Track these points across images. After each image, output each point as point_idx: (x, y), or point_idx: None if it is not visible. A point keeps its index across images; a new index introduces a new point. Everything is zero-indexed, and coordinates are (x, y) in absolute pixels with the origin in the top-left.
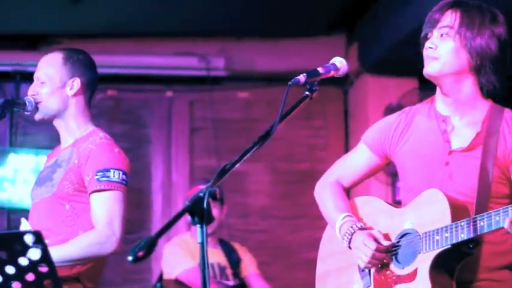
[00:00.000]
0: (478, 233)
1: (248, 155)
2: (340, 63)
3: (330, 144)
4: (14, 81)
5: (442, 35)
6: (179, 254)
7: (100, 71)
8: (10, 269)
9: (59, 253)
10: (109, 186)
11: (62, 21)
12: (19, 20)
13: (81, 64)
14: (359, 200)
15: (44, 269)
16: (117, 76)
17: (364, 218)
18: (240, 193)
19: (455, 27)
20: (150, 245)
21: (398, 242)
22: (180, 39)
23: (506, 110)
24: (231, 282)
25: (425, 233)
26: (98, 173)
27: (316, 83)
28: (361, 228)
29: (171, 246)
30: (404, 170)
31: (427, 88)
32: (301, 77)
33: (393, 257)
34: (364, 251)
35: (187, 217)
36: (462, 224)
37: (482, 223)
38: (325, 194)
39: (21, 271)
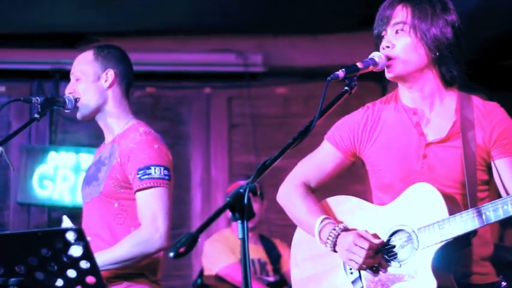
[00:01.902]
0: (485, 223)
1: (288, 151)
2: (379, 58)
3: None
4: (53, 80)
5: (396, 32)
6: (220, 249)
7: (138, 68)
8: (52, 266)
9: (105, 258)
10: (151, 184)
11: (100, 19)
12: (57, 19)
13: (113, 56)
14: (331, 201)
15: (86, 265)
16: (155, 73)
17: (340, 218)
18: (278, 189)
19: (409, 22)
20: (192, 241)
21: (389, 240)
22: (217, 35)
23: (473, 97)
24: (271, 278)
25: (421, 228)
26: (140, 172)
27: (355, 78)
28: (345, 230)
29: (212, 242)
30: (377, 166)
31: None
32: (340, 72)
33: (387, 256)
34: (357, 252)
35: (227, 213)
36: (464, 215)
37: (488, 213)
38: (293, 198)
39: (63, 268)
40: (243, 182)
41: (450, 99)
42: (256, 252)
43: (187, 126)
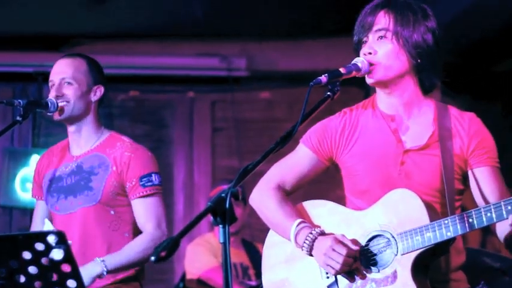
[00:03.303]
0: (468, 231)
1: (270, 155)
2: (361, 63)
3: None
4: (36, 83)
5: (378, 38)
6: (202, 253)
7: (122, 71)
8: (33, 269)
9: (120, 259)
10: (153, 191)
11: (84, 22)
12: (40, 22)
13: (103, 73)
14: (307, 204)
15: (67, 268)
16: (139, 77)
17: (316, 222)
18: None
19: (391, 28)
20: (173, 246)
21: (367, 245)
22: (201, 40)
23: (450, 107)
24: (253, 283)
25: (401, 234)
26: (143, 179)
27: (338, 83)
28: (322, 234)
29: (194, 246)
30: (354, 172)
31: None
32: (323, 78)
33: (365, 261)
34: (334, 257)
35: (209, 217)
36: (446, 222)
37: (471, 220)
38: (268, 201)
39: (44, 271)
40: (225, 187)
41: (428, 107)
42: (239, 256)
43: (171, 130)
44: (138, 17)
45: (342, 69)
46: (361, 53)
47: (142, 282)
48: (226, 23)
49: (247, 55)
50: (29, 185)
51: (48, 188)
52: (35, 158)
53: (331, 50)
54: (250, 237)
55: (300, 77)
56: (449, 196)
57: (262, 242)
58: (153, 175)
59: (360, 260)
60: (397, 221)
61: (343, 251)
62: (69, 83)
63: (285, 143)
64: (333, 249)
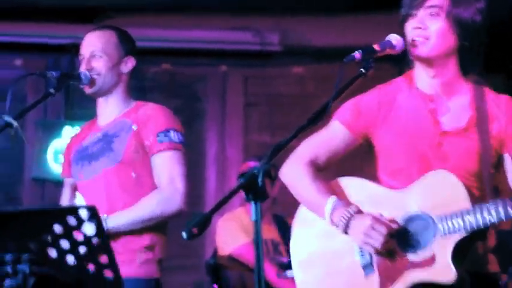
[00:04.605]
0: (511, 217)
1: (302, 132)
2: (395, 40)
3: None
4: (69, 54)
5: (429, 14)
6: (233, 229)
7: (154, 44)
8: (65, 243)
9: (128, 216)
10: (170, 146)
11: None
12: None
13: (134, 45)
14: (341, 182)
15: (98, 243)
16: (171, 50)
17: (352, 200)
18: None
19: (445, 7)
20: (204, 222)
21: (405, 226)
22: (234, 13)
23: (486, 89)
24: (284, 259)
25: (441, 216)
26: (160, 134)
27: (371, 60)
28: (358, 212)
29: (225, 221)
30: (389, 150)
31: None
32: (357, 54)
33: (402, 242)
34: (374, 236)
35: (241, 192)
36: (489, 207)
37: None
38: (300, 177)
39: (75, 245)
40: (253, 163)
41: (466, 89)
42: (269, 232)
43: (203, 104)
44: None
45: (375, 46)
46: (410, 26)
47: (161, 257)
48: None
49: (280, 30)
50: (62, 157)
51: (75, 159)
52: (67, 130)
53: (364, 26)
54: (283, 213)
55: (332, 53)
56: (487, 180)
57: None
58: (171, 131)
59: (398, 240)
60: (437, 203)
61: (384, 230)
62: (99, 56)
63: (318, 120)
64: (373, 228)
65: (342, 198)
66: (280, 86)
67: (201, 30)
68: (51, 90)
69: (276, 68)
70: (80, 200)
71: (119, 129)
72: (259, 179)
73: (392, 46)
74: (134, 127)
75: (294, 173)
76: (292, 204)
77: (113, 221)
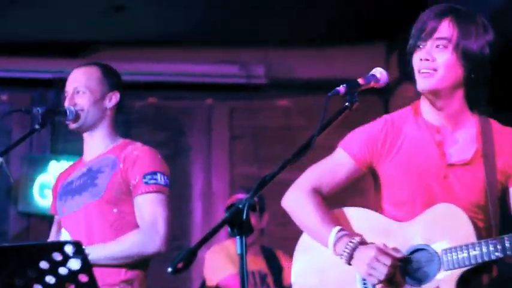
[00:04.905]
0: None
1: (288, 166)
2: (380, 74)
3: None
4: (55, 89)
5: (437, 46)
6: (220, 260)
7: (141, 78)
8: (50, 279)
9: (104, 251)
10: (156, 189)
11: (103, 29)
12: (59, 28)
13: (119, 80)
14: (344, 211)
15: (84, 279)
16: (157, 84)
17: (356, 230)
18: (280, 201)
19: (454, 40)
20: (190, 257)
21: (409, 258)
22: (220, 47)
23: (492, 121)
24: None
25: (446, 249)
26: (146, 176)
27: (356, 94)
28: (362, 243)
29: (213, 253)
30: (394, 181)
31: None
32: (341, 88)
33: (405, 274)
34: (379, 268)
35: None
36: (495, 241)
37: None
38: (304, 204)
39: (61, 281)
40: (241, 196)
41: (472, 122)
42: (257, 263)
43: (189, 137)
44: (157, 24)
45: (360, 80)
46: (417, 58)
47: None
48: (245, 30)
49: (266, 63)
50: (48, 191)
51: (59, 194)
52: (53, 164)
53: (350, 58)
54: (269, 245)
55: (318, 85)
56: (493, 213)
57: (282, 248)
58: (158, 174)
59: (402, 272)
60: (442, 236)
61: (388, 262)
62: (82, 92)
63: (303, 154)
64: (377, 260)
65: (346, 227)
66: (266, 119)
67: (187, 63)
68: (37, 127)
69: (261, 100)
70: (65, 236)
71: (104, 165)
72: (244, 214)
73: (376, 80)
74: (121, 165)
75: (297, 200)
76: (280, 236)
77: (91, 253)
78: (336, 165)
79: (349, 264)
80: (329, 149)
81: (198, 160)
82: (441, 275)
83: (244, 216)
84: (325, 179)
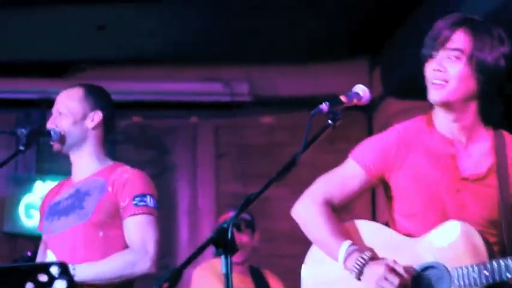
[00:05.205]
0: None
1: (272, 185)
2: (362, 91)
3: None
4: (40, 109)
5: (450, 57)
6: (208, 278)
7: (125, 97)
8: None
9: (94, 269)
10: (145, 211)
11: (87, 49)
12: (44, 49)
13: (103, 97)
14: (355, 224)
15: None
16: (142, 103)
17: (366, 244)
18: (266, 218)
19: (467, 51)
20: (175, 277)
21: (419, 275)
22: (204, 65)
23: (505, 134)
24: None
25: (457, 268)
26: (136, 198)
27: (338, 111)
28: (372, 259)
29: (200, 270)
30: (405, 193)
31: None
32: (324, 106)
33: None
34: (386, 286)
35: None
36: (507, 262)
37: None
38: (315, 216)
39: None
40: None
41: (486, 135)
42: (245, 283)
43: (174, 156)
44: (140, 42)
45: (342, 98)
46: (429, 68)
47: None
48: (228, 48)
49: (250, 80)
50: (33, 212)
51: (46, 214)
52: (38, 185)
53: (333, 74)
54: (256, 263)
55: (302, 102)
56: (506, 229)
57: (267, 267)
58: (147, 196)
59: None
60: (453, 254)
61: (396, 281)
62: (63, 113)
63: (287, 172)
64: (386, 278)
65: (357, 241)
66: (250, 136)
67: (171, 82)
68: (21, 148)
69: (246, 118)
70: (50, 257)
71: (92, 188)
72: (229, 233)
73: (359, 97)
74: (109, 188)
75: (308, 212)
76: (265, 254)
77: (80, 271)
78: (347, 176)
79: (359, 279)
80: (312, 166)
81: (183, 178)
82: None
83: (229, 236)
84: (336, 190)
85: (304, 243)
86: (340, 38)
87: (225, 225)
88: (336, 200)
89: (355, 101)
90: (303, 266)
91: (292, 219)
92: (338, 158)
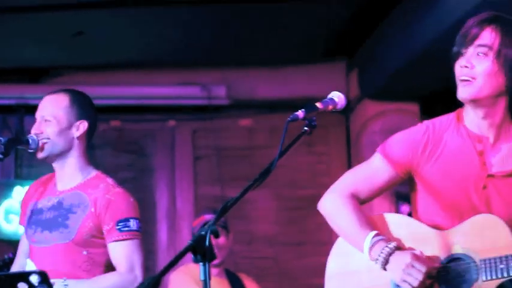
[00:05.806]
0: None
1: (249, 191)
2: (338, 97)
3: (332, 170)
4: (18, 114)
5: (479, 53)
6: (185, 282)
7: (103, 102)
8: None
9: (89, 287)
10: (130, 236)
11: (64, 54)
12: (21, 54)
13: (88, 106)
14: (382, 216)
15: None
16: (119, 107)
17: (392, 236)
18: (245, 220)
19: (495, 47)
20: (154, 285)
21: (446, 266)
22: (181, 68)
23: None
24: None
25: (484, 260)
26: (119, 223)
27: (314, 118)
28: (398, 248)
29: (178, 274)
30: (431, 189)
31: (428, 112)
32: (300, 113)
33: (441, 282)
34: (414, 274)
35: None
36: None
37: None
38: (341, 208)
39: None
40: (208, 216)
41: None
42: (221, 286)
43: (152, 159)
44: (117, 47)
45: (318, 104)
46: (458, 65)
47: None
48: (205, 52)
49: (227, 83)
50: (12, 217)
51: (29, 219)
52: (17, 190)
53: (311, 76)
54: (234, 265)
55: (280, 104)
56: None
57: (245, 268)
58: (131, 220)
59: (438, 280)
60: (481, 246)
61: (423, 269)
62: (49, 120)
63: (264, 179)
64: (413, 266)
65: (384, 233)
66: (228, 139)
67: (148, 86)
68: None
69: (223, 120)
70: (30, 266)
71: (76, 205)
72: (207, 240)
73: (334, 103)
74: (92, 209)
75: (334, 204)
76: (242, 255)
77: (73, 286)
78: (375, 171)
79: (384, 269)
80: (291, 168)
81: (162, 181)
82: (478, 285)
83: (207, 243)
84: (363, 185)
85: (281, 245)
86: (317, 41)
87: (203, 233)
88: (362, 194)
89: (330, 107)
90: (329, 257)
91: (270, 222)
92: (316, 160)
